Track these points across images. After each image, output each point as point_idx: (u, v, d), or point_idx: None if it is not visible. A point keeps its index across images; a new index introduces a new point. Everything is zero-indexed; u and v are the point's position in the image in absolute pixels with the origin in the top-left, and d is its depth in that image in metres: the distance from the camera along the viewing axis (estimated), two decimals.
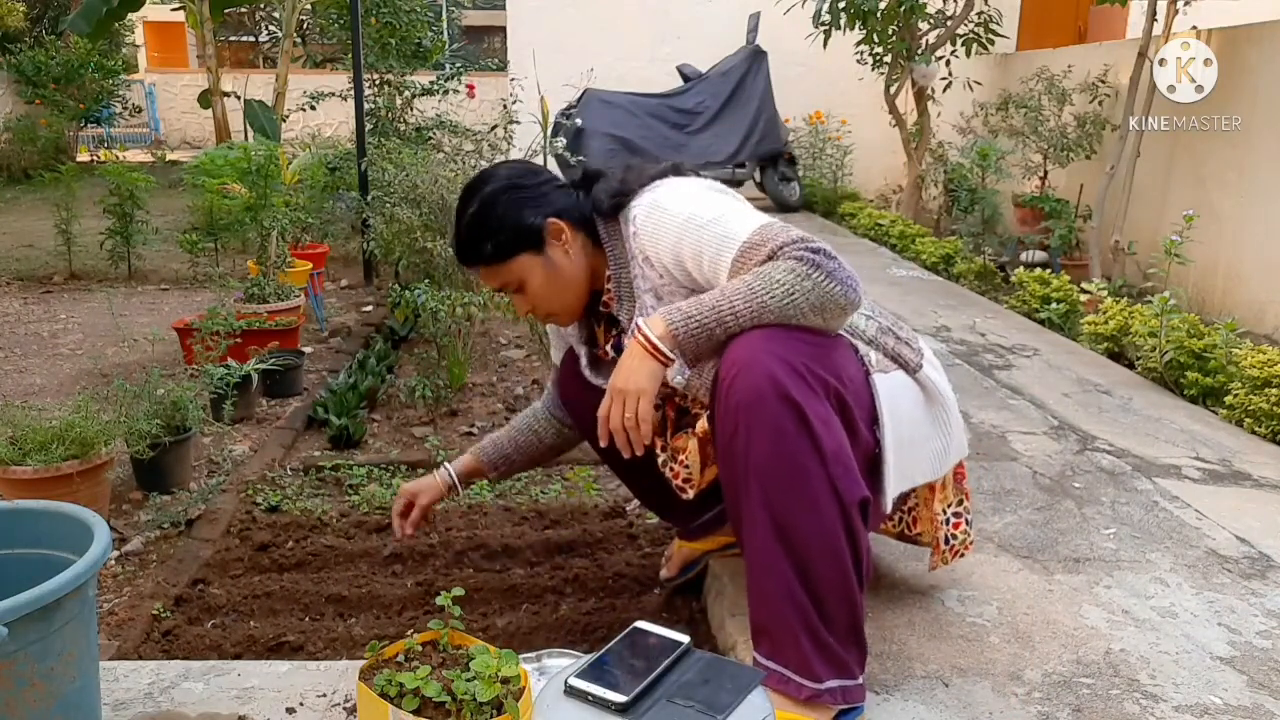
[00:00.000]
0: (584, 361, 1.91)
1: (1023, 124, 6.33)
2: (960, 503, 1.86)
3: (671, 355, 1.51)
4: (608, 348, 1.88)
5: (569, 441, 2.13)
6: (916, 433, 1.69)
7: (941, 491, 1.83)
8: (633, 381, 1.52)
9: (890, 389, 1.64)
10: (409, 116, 7.41)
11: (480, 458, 2.10)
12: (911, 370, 1.70)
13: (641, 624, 1.62)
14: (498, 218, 1.74)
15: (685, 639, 1.57)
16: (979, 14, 7.02)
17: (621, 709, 1.41)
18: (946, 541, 1.84)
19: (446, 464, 2.11)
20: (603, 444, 1.59)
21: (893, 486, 1.64)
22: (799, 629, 1.49)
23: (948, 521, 1.84)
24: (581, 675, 1.48)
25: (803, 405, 1.44)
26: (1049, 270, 4.85)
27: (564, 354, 2.03)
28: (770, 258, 1.50)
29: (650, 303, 1.70)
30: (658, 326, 1.50)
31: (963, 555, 1.87)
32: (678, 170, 1.78)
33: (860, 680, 1.55)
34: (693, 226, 1.59)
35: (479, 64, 15.15)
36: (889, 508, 1.65)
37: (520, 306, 1.83)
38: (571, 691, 1.46)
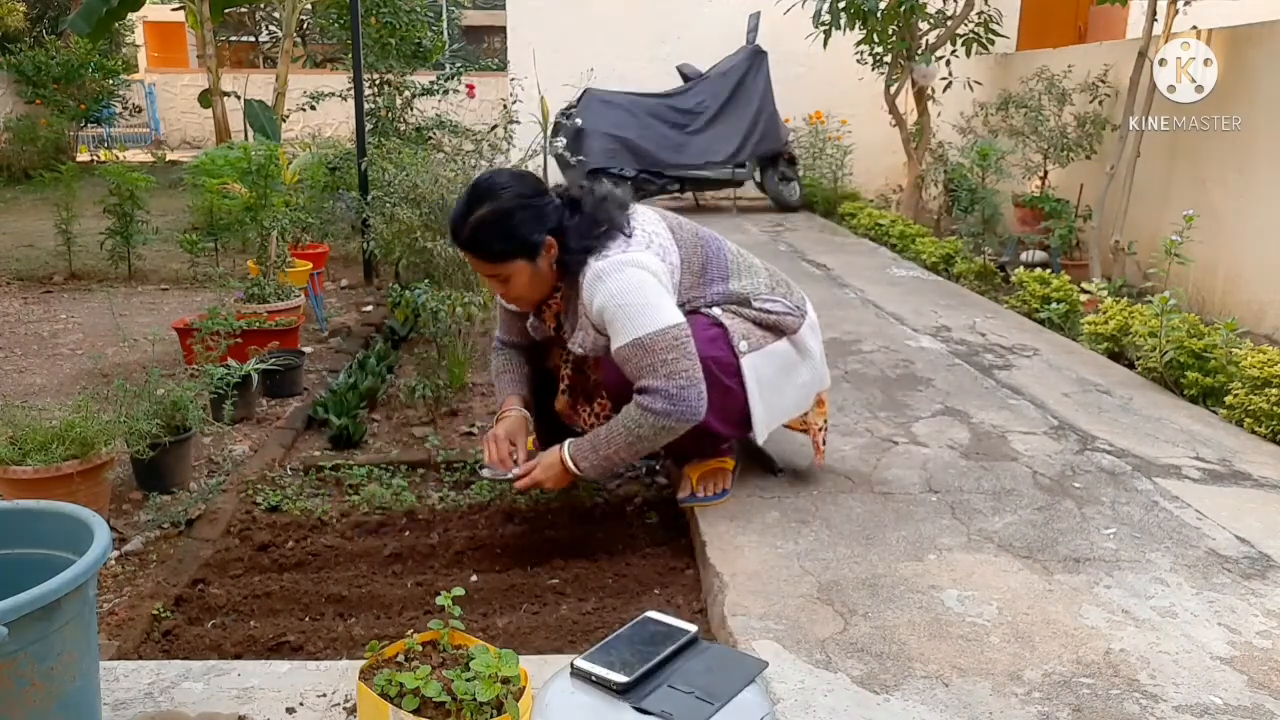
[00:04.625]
0: (532, 322, 2.44)
1: (1023, 124, 6.33)
2: (824, 419, 2.58)
3: (581, 476, 2.28)
4: (552, 318, 2.41)
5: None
6: (782, 388, 2.39)
7: (818, 408, 2.54)
8: (555, 483, 2.31)
9: (754, 364, 2.32)
10: (409, 116, 7.41)
11: (517, 391, 2.53)
12: (790, 332, 2.40)
13: (652, 613, 1.65)
14: (509, 227, 2.14)
15: (693, 628, 1.59)
16: (979, 14, 7.02)
17: (622, 689, 1.44)
18: (824, 444, 2.57)
19: (514, 405, 2.49)
20: (520, 490, 2.38)
21: (763, 431, 2.37)
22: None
23: (822, 429, 2.56)
24: (588, 657, 1.51)
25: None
26: (1049, 270, 4.85)
27: (507, 311, 2.54)
28: (644, 377, 2.13)
29: (589, 331, 2.23)
30: (580, 460, 2.23)
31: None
32: (624, 206, 2.27)
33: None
34: (614, 312, 2.14)
35: (479, 64, 15.18)
36: (762, 439, 2.40)
37: (494, 289, 2.33)
38: (576, 672, 1.49)
